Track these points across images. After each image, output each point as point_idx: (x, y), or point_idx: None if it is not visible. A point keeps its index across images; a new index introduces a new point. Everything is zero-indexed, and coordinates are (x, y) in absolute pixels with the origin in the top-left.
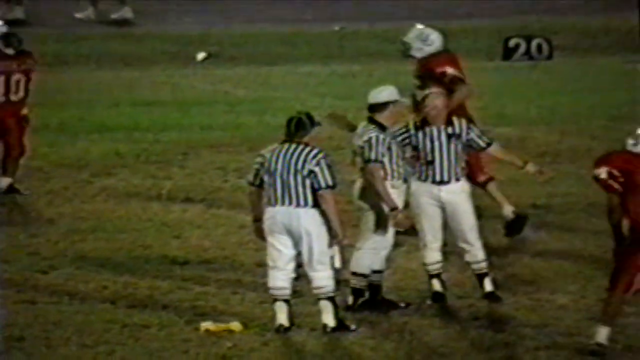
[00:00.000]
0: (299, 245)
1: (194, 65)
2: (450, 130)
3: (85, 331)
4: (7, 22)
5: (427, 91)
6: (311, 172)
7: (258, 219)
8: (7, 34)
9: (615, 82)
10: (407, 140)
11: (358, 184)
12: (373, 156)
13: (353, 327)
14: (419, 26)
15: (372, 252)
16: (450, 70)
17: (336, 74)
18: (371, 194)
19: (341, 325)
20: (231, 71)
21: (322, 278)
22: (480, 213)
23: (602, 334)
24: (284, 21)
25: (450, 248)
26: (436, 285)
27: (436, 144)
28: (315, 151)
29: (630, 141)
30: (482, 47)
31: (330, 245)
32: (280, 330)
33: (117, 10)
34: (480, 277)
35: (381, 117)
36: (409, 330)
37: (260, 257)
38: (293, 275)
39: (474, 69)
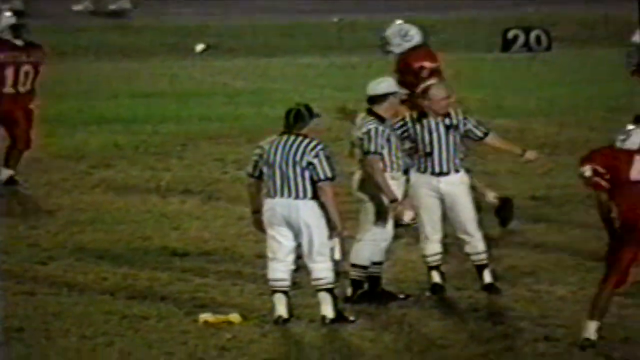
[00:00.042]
0: (298, 237)
1: (192, 57)
2: (447, 121)
3: (85, 322)
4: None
5: (427, 83)
6: (310, 163)
7: (257, 211)
8: (16, 25)
9: (613, 73)
10: (405, 134)
11: (357, 175)
12: (372, 148)
13: (352, 318)
14: (398, 22)
15: (372, 243)
16: (427, 64)
17: (335, 66)
18: (370, 186)
19: (340, 317)
20: (230, 63)
21: (322, 270)
22: (479, 205)
23: (591, 329)
24: (282, 13)
25: (450, 240)
26: (435, 277)
27: (434, 135)
28: (314, 143)
29: (621, 137)
30: (481, 38)
31: (330, 237)
32: (279, 321)
33: (114, 1)
34: (480, 268)
35: (380, 109)
36: (408, 322)
37: (260, 249)
38: (293, 267)
39: (473, 60)
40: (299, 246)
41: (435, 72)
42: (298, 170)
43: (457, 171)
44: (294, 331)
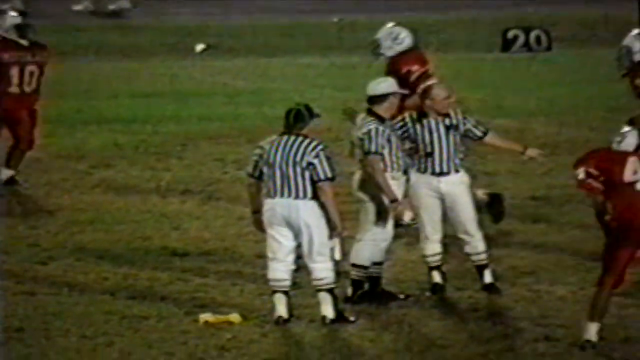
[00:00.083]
0: (298, 237)
1: (192, 57)
2: (448, 121)
3: (85, 322)
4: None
5: (428, 83)
6: (310, 164)
7: (257, 211)
8: (21, 25)
9: (613, 73)
10: (405, 134)
11: (357, 175)
12: (373, 148)
13: (352, 318)
14: (390, 25)
15: (372, 243)
16: (415, 68)
17: (335, 66)
18: (371, 186)
19: (340, 317)
20: (230, 63)
21: (322, 270)
22: (479, 205)
23: (592, 330)
24: (282, 13)
25: (450, 240)
26: (436, 277)
27: (435, 135)
28: (314, 143)
29: (617, 138)
30: (481, 38)
31: (330, 237)
32: (279, 321)
33: (114, 1)
34: (480, 268)
35: (380, 109)
36: (408, 322)
37: (260, 249)
38: (293, 267)
39: (473, 60)
40: (299, 246)
41: (424, 76)
42: (298, 170)
43: (457, 171)
44: (294, 331)
